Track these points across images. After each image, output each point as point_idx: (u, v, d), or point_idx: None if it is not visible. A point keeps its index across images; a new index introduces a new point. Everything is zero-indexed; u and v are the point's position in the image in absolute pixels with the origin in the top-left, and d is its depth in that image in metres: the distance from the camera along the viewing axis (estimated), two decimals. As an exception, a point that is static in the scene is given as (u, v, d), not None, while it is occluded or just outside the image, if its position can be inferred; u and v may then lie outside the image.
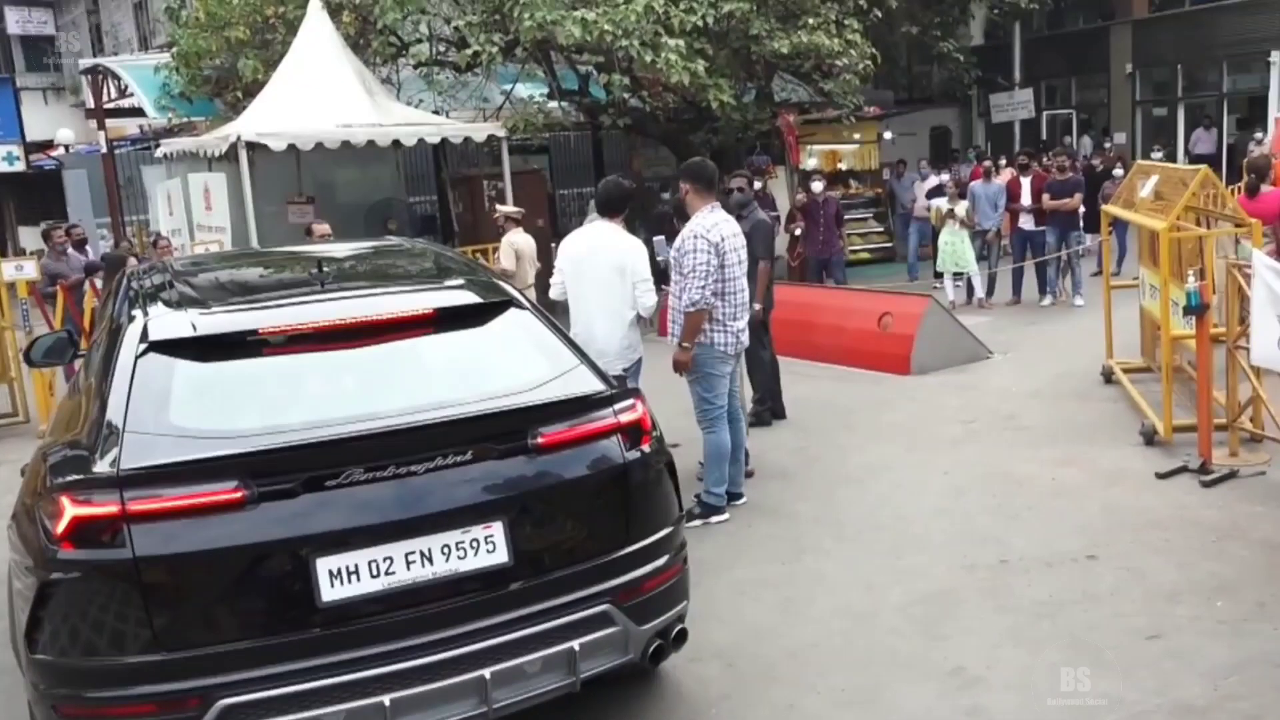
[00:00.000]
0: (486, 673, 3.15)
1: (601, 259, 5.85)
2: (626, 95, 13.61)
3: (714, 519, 5.91)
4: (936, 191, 14.70)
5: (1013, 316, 11.92)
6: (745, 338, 6.02)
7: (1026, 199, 12.63)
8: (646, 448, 3.61)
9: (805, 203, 13.05)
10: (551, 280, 6.08)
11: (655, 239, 7.64)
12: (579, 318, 5.88)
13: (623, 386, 3.77)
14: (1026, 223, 12.69)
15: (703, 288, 5.66)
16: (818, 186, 13.20)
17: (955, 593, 4.82)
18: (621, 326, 5.82)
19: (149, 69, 15.58)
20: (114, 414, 3.16)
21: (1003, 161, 17.83)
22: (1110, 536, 5.32)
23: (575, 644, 3.30)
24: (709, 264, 5.67)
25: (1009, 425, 7.47)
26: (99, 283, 9.90)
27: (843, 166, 16.87)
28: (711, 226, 5.73)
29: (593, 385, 3.62)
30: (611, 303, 5.82)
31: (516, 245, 9.60)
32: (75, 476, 3.06)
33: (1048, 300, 12.44)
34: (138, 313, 3.58)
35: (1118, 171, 14.56)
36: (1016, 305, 12.56)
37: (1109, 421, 7.31)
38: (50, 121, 24.72)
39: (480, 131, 13.13)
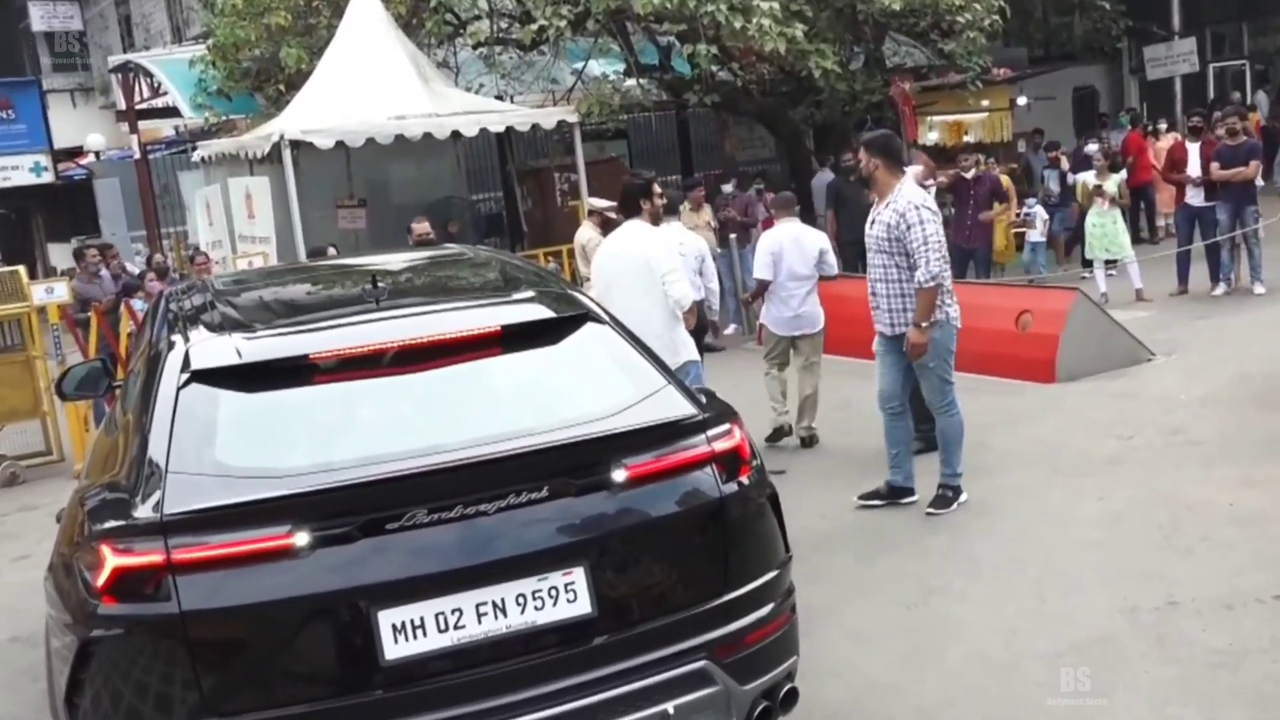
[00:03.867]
0: (570, 739, 3.20)
1: (624, 263, 6.34)
2: (715, 68, 13.67)
3: (958, 503, 6.46)
4: (1083, 164, 14.41)
5: (1179, 309, 11.61)
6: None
7: (1195, 169, 12.29)
8: (746, 479, 3.63)
9: (952, 182, 12.78)
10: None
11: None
12: None
13: (717, 409, 3.80)
14: (1194, 198, 12.34)
15: (941, 258, 6.14)
16: (968, 163, 12.73)
17: (1114, 640, 4.73)
18: (654, 327, 5.95)
19: (183, 63, 16.18)
20: (156, 452, 3.28)
21: (1163, 125, 17.41)
22: (1302, 570, 5.16)
23: (669, 706, 3.32)
24: (939, 232, 6.19)
25: (1176, 440, 7.29)
26: (136, 305, 10.28)
27: (969, 139, 16.62)
28: (922, 196, 6.30)
29: (683, 409, 3.65)
30: (641, 305, 6.07)
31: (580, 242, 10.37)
32: (116, 523, 3.19)
33: (1221, 289, 12.08)
34: (178, 338, 3.71)
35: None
36: (1183, 296, 12.23)
37: (1298, 432, 7.09)
38: (79, 126, 25.74)
39: (549, 117, 13.33)
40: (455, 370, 3.62)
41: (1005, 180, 13.71)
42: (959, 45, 14.19)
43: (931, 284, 6.11)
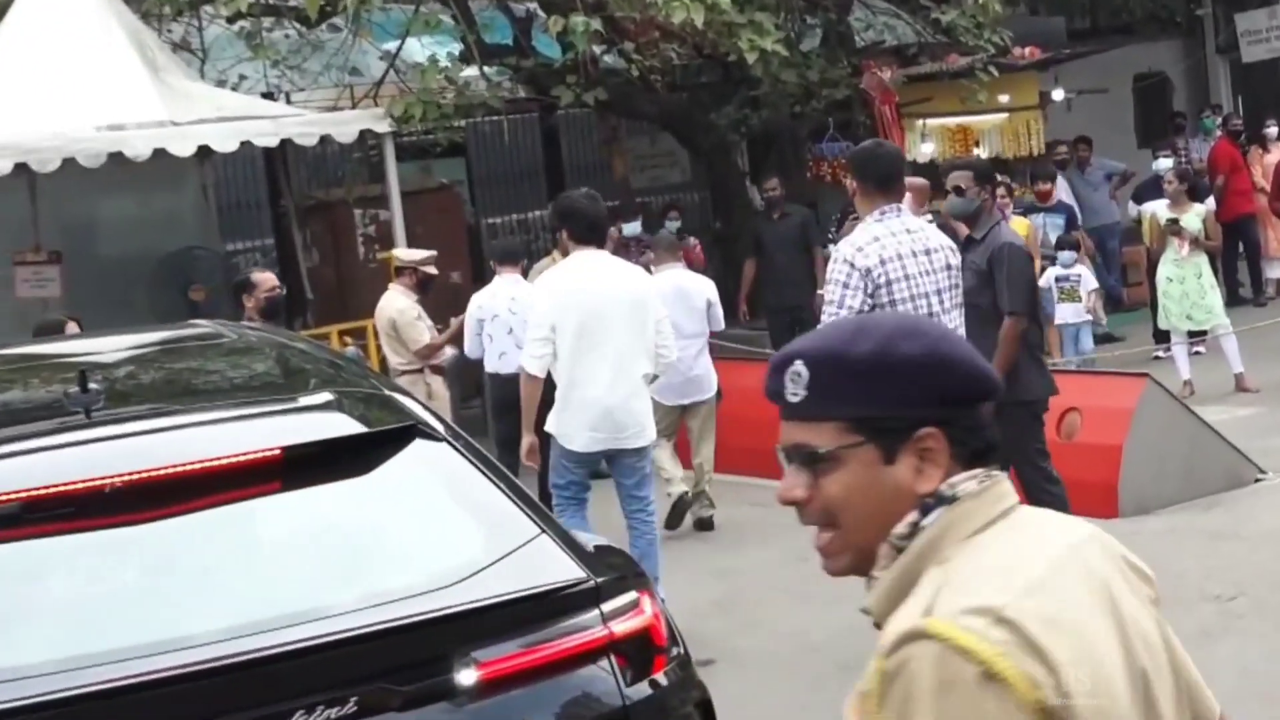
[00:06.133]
0: None
1: (610, 303, 6.95)
2: (598, 50, 13.85)
3: None
4: (1151, 191, 14.73)
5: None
6: None
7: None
8: (661, 677, 3.65)
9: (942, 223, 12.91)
10: (534, 353, 7.03)
11: None
12: (590, 388, 6.88)
13: (617, 569, 3.82)
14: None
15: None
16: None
17: None
18: (645, 387, 7.04)
19: None
20: None
21: (1271, 129, 17.89)
22: None
23: None
24: (844, 300, 6.57)
25: (1298, 599, 7.46)
26: None
27: (980, 152, 17.01)
28: (868, 243, 6.58)
29: (565, 569, 3.66)
30: (629, 358, 6.92)
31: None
32: None
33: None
34: None
35: None
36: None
37: None
38: None
39: (347, 125, 13.34)
40: (210, 518, 3.61)
41: (1025, 225, 13.03)
42: (962, 14, 14.51)
43: None
